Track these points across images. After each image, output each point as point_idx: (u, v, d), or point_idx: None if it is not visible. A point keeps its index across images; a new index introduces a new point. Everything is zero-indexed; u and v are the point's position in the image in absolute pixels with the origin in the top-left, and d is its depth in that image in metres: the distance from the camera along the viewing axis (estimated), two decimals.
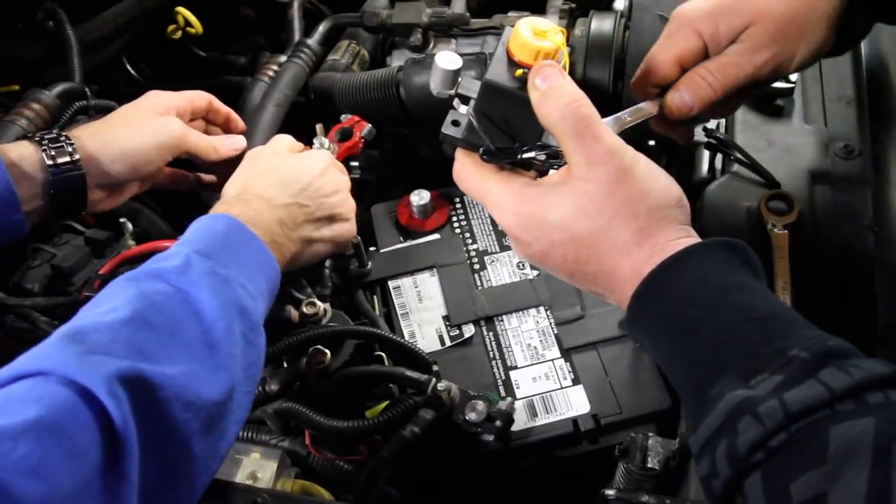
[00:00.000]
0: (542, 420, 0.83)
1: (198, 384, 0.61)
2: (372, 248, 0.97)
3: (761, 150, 0.90)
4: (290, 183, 0.86)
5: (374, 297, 0.95)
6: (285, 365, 0.85)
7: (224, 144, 0.98)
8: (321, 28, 1.15)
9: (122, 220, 0.96)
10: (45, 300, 0.89)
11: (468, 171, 0.67)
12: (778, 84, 0.95)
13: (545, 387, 0.85)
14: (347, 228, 0.91)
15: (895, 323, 0.77)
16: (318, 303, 0.88)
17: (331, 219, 0.88)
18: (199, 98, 0.99)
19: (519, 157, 0.66)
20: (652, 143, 1.02)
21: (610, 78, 1.07)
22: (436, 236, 0.98)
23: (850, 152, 0.90)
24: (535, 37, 0.63)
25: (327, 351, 0.84)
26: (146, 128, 0.92)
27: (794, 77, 0.96)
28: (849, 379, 0.50)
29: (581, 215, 0.61)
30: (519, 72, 0.64)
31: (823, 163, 0.89)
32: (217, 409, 0.62)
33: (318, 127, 1.01)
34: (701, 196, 0.89)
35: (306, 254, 0.87)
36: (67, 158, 0.86)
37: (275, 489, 0.76)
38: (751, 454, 0.50)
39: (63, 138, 0.86)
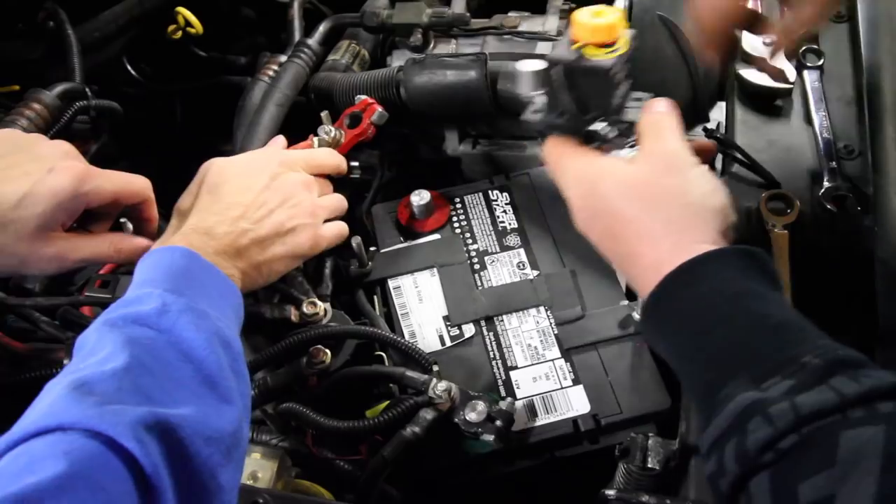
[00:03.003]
0: (542, 420, 0.84)
1: (209, 419, 0.61)
2: (372, 248, 0.97)
3: (761, 150, 0.90)
4: (228, 207, 0.81)
5: (375, 297, 0.95)
6: (285, 365, 0.85)
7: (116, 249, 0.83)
8: (321, 28, 1.15)
9: (122, 220, 0.96)
10: (45, 300, 0.89)
11: (551, 148, 0.74)
12: (777, 84, 0.96)
13: (545, 387, 0.85)
14: (306, 237, 0.86)
15: (895, 323, 0.77)
16: (318, 303, 0.88)
17: (280, 234, 0.84)
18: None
19: (586, 128, 0.74)
20: None
21: None
22: (436, 236, 0.98)
23: (850, 152, 0.90)
24: (591, 15, 0.70)
25: (327, 351, 0.84)
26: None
27: (792, 77, 0.96)
28: (859, 387, 0.51)
29: (626, 193, 0.67)
30: (576, 45, 0.70)
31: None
32: (232, 439, 0.62)
33: (324, 114, 0.99)
34: None
35: (261, 276, 0.83)
36: None
37: (275, 489, 0.76)
38: (760, 454, 0.51)
39: None
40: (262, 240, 0.82)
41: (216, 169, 0.86)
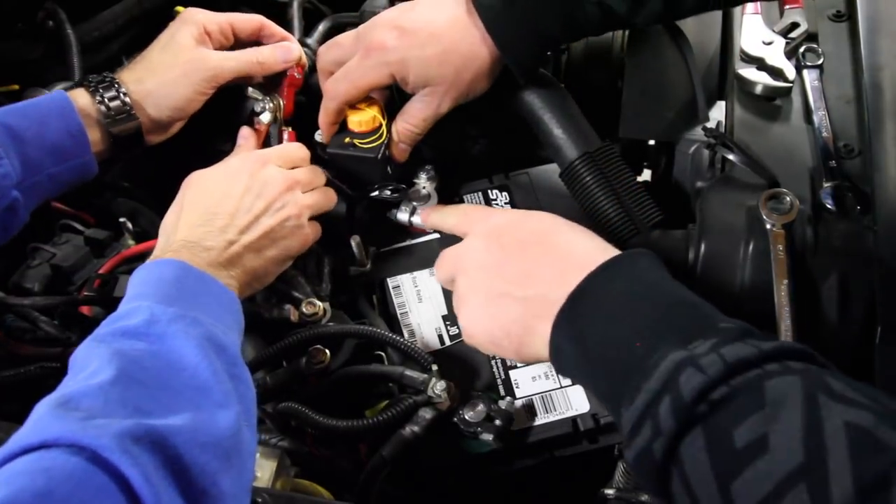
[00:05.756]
0: (541, 419, 0.83)
1: (204, 426, 0.61)
2: (372, 248, 0.97)
3: (761, 149, 0.90)
4: (213, 217, 0.81)
5: (374, 296, 0.95)
6: (285, 365, 0.85)
7: (270, 57, 0.99)
8: (321, 28, 1.15)
9: (121, 219, 0.96)
10: (44, 300, 0.89)
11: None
12: (776, 83, 0.96)
13: (545, 386, 0.85)
14: (297, 238, 0.87)
15: (895, 323, 0.77)
16: (318, 302, 0.88)
17: (273, 238, 0.84)
18: (245, 24, 1.01)
19: (372, 195, 0.94)
20: (652, 143, 1.02)
21: (610, 78, 1.07)
22: (435, 236, 0.97)
23: (849, 152, 0.90)
24: (355, 112, 0.91)
25: (327, 351, 0.84)
26: (182, 68, 0.95)
27: (791, 76, 0.96)
28: (772, 343, 0.58)
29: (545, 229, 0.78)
30: (347, 139, 0.92)
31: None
32: (231, 442, 0.62)
33: (250, 90, 0.99)
34: (701, 196, 0.89)
35: (257, 280, 0.84)
36: (120, 104, 0.93)
37: (274, 489, 0.76)
38: (695, 404, 0.56)
39: (115, 87, 0.93)
40: (254, 246, 0.82)
41: (194, 181, 0.86)
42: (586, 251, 0.72)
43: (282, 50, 0.99)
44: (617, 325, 0.65)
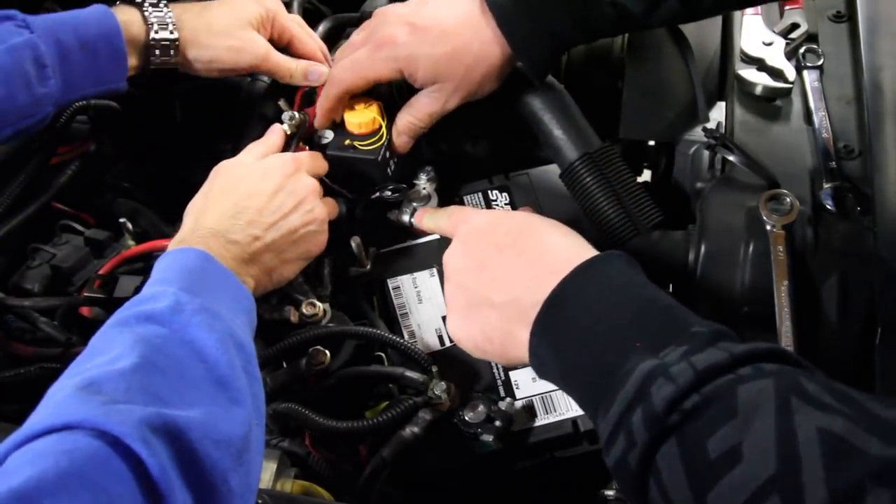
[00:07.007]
0: (541, 420, 0.83)
1: (219, 422, 0.61)
2: (372, 249, 0.97)
3: (761, 150, 0.90)
4: (242, 210, 0.82)
5: (374, 297, 0.95)
6: (284, 366, 0.85)
7: (302, 73, 1.00)
8: (321, 28, 1.15)
9: (122, 220, 0.96)
10: (44, 300, 0.89)
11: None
12: (776, 84, 0.96)
13: (545, 387, 0.85)
14: (315, 243, 0.88)
15: (895, 323, 0.77)
16: (318, 303, 0.88)
17: (294, 240, 0.85)
18: (302, 46, 1.03)
19: (372, 196, 0.94)
20: (652, 143, 1.02)
21: (611, 79, 1.07)
22: (436, 236, 0.97)
23: (849, 152, 0.90)
24: (354, 114, 0.91)
25: (327, 351, 0.84)
26: (237, 42, 0.97)
27: (791, 77, 0.96)
28: (745, 346, 0.57)
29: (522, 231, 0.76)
30: (347, 141, 0.92)
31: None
32: (243, 442, 0.62)
33: (282, 102, 1.01)
34: (701, 196, 0.89)
35: (271, 281, 0.85)
36: (168, 43, 0.94)
37: (274, 489, 0.76)
38: (667, 414, 0.55)
39: (172, 24, 0.94)
40: (276, 246, 0.83)
41: (225, 170, 0.87)
42: (560, 253, 0.71)
43: (314, 70, 1.00)
44: (591, 333, 0.64)
